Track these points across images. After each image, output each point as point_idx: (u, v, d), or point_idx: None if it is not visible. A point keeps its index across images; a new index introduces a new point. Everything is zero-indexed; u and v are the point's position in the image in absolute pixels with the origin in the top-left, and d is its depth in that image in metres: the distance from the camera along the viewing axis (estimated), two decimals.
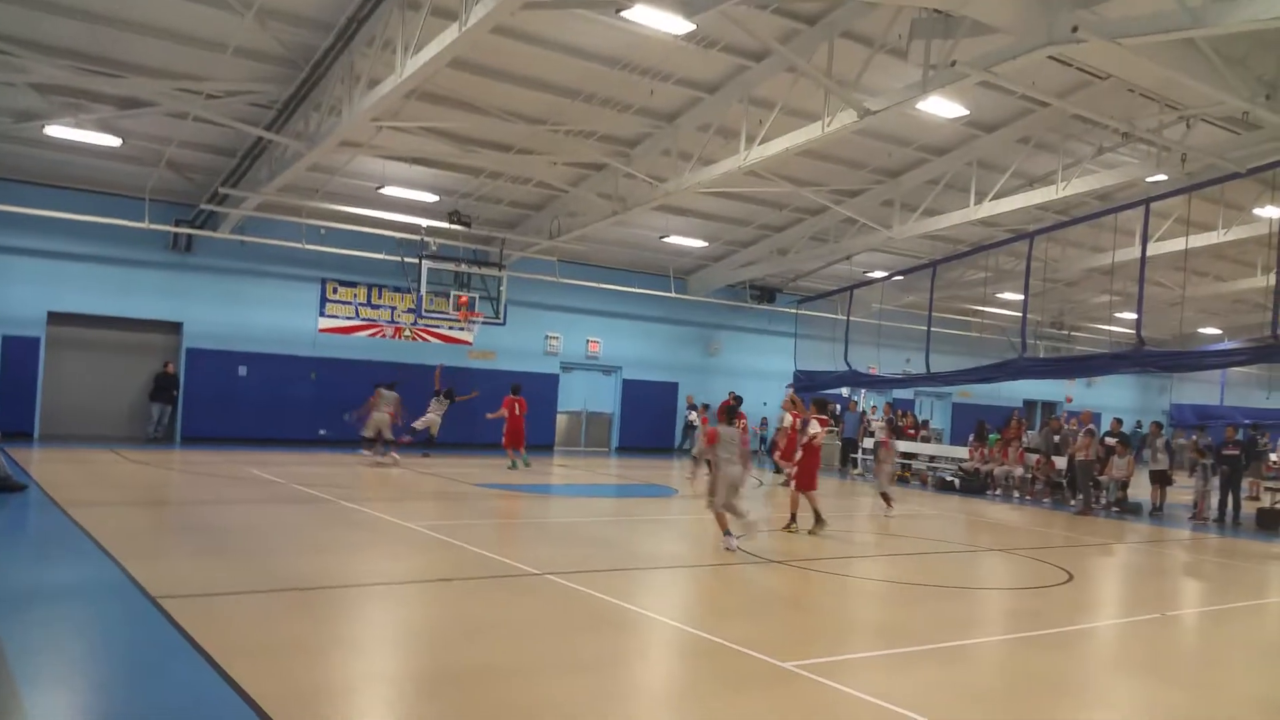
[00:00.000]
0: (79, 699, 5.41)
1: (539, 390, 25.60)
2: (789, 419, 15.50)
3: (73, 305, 20.40)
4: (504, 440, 19.93)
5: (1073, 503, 18.61)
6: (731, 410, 11.58)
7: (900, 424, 25.22)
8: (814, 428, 12.82)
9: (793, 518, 12.70)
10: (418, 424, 20.62)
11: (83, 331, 20.89)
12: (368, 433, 19.04)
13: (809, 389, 26.09)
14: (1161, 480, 18.97)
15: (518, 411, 19.85)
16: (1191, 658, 8.00)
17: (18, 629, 6.26)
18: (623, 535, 12.58)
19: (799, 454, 12.89)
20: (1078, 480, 18.48)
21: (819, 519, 12.68)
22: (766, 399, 29.20)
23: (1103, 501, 18.77)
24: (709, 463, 11.46)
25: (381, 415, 18.92)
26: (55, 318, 20.33)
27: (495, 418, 20.07)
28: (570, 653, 6.54)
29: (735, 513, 10.97)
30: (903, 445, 24.65)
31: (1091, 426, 18.77)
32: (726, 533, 10.77)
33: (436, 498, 14.81)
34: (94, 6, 13.86)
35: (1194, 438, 19.51)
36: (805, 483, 12.74)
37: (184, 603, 7.08)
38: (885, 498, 15.54)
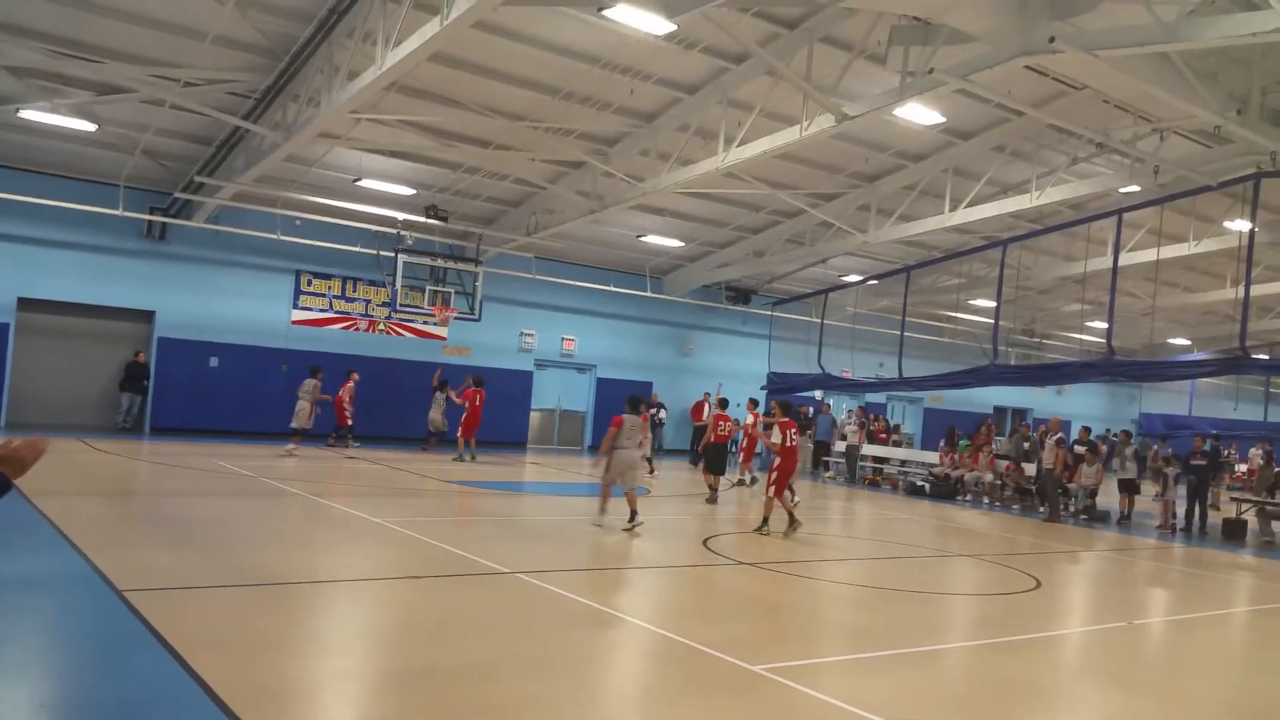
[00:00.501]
0: (39, 691, 5.36)
1: (513, 388, 25.56)
2: (750, 418, 15.84)
3: (44, 291, 20.13)
4: (461, 431, 20.40)
5: (1041, 510, 18.79)
6: (635, 401, 12.66)
7: (872, 428, 25.40)
8: (775, 435, 13.06)
9: (764, 520, 12.83)
10: (431, 424, 21.73)
11: (53, 318, 20.63)
12: (295, 423, 19.42)
13: (782, 391, 26.20)
14: (1129, 489, 19.20)
15: (478, 403, 20.59)
16: (1158, 666, 8.10)
17: None
18: (594, 535, 12.58)
19: (776, 460, 13.05)
20: (1045, 488, 18.66)
21: (793, 521, 12.78)
22: (740, 400, 29.30)
23: (1071, 509, 18.96)
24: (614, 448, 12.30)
25: (302, 404, 19.30)
26: (25, 304, 20.06)
27: (460, 402, 20.90)
28: (539, 652, 6.54)
29: (629, 493, 12.13)
30: (874, 449, 24.88)
31: (1060, 435, 18.95)
32: (603, 510, 12.23)
33: (407, 494, 14.76)
34: None
35: (1154, 448, 19.74)
36: (780, 488, 12.88)
37: (149, 595, 7.02)
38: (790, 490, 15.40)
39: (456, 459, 19.79)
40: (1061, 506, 18.39)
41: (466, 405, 20.56)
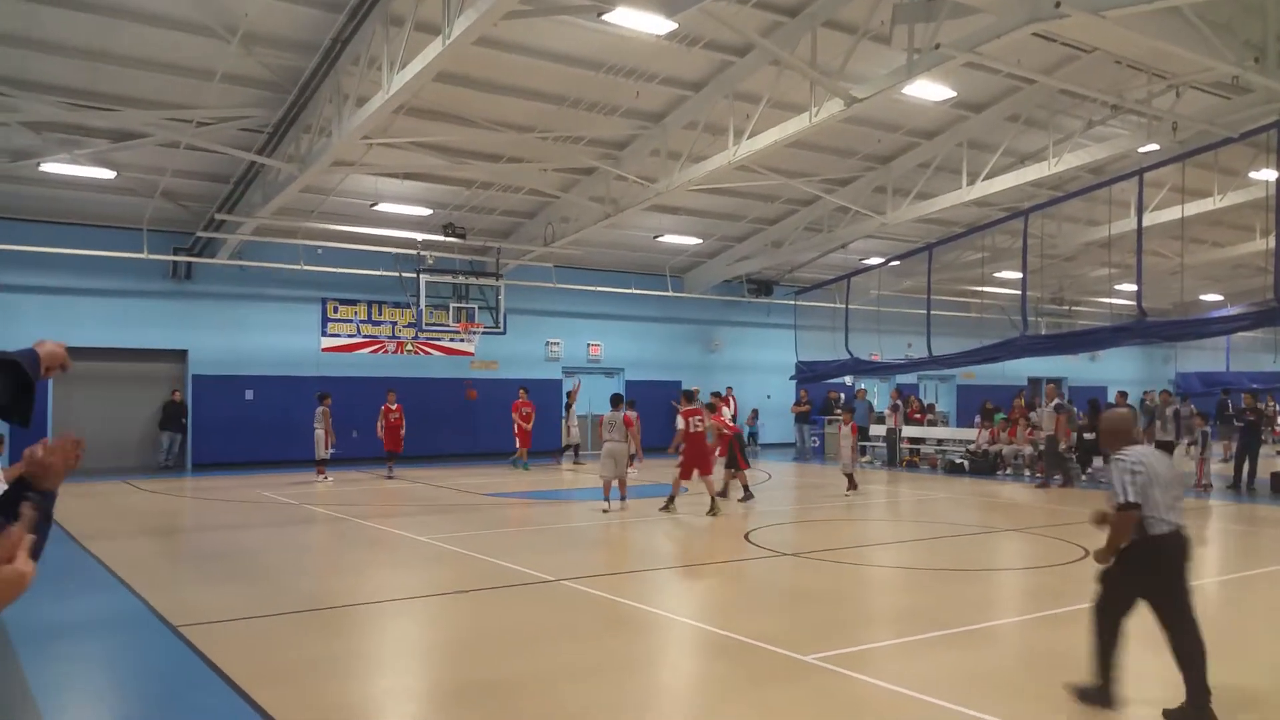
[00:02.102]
0: None
1: (544, 396, 25.62)
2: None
3: (78, 339, 20.38)
4: (522, 443, 21.10)
5: (1056, 478, 18.53)
6: (617, 399, 14.60)
7: (905, 410, 25.23)
8: (679, 422, 14.42)
9: (712, 501, 13.87)
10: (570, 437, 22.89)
11: (89, 365, 20.87)
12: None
13: (811, 380, 26.16)
14: (1166, 450, 18.98)
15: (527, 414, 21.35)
16: (1215, 626, 7.95)
17: (41, 664, 6.30)
18: (633, 536, 12.62)
19: (682, 445, 14.41)
20: (1051, 457, 18.42)
21: (714, 502, 13.86)
22: (770, 392, 29.25)
23: (1086, 474, 18.85)
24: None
25: (318, 433, 18.79)
26: None
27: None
28: (589, 657, 6.57)
29: (620, 478, 14.09)
30: (910, 430, 24.72)
31: (1059, 401, 18.78)
32: (605, 497, 14.08)
33: (447, 510, 14.84)
34: (81, 43, 13.93)
35: (1176, 408, 19.48)
36: (685, 472, 14.17)
37: (205, 629, 7.12)
38: (850, 479, 16.45)
39: (523, 468, 20.52)
40: (1074, 474, 18.22)
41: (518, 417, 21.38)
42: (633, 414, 15.24)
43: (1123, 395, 21.05)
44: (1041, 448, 19.61)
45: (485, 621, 7.74)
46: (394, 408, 19.81)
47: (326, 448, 18.88)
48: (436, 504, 15.57)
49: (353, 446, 22.33)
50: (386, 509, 14.79)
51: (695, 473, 14.11)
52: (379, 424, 20.09)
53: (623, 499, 14.33)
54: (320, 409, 19.00)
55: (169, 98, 15.52)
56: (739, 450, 15.75)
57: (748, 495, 15.51)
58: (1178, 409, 19.28)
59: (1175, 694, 5.27)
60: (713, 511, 13.56)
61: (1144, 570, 5.35)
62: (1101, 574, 5.52)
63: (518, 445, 21.54)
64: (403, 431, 19.90)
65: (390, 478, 18.96)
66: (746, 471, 15.80)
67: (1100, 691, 5.44)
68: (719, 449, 15.82)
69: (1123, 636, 5.43)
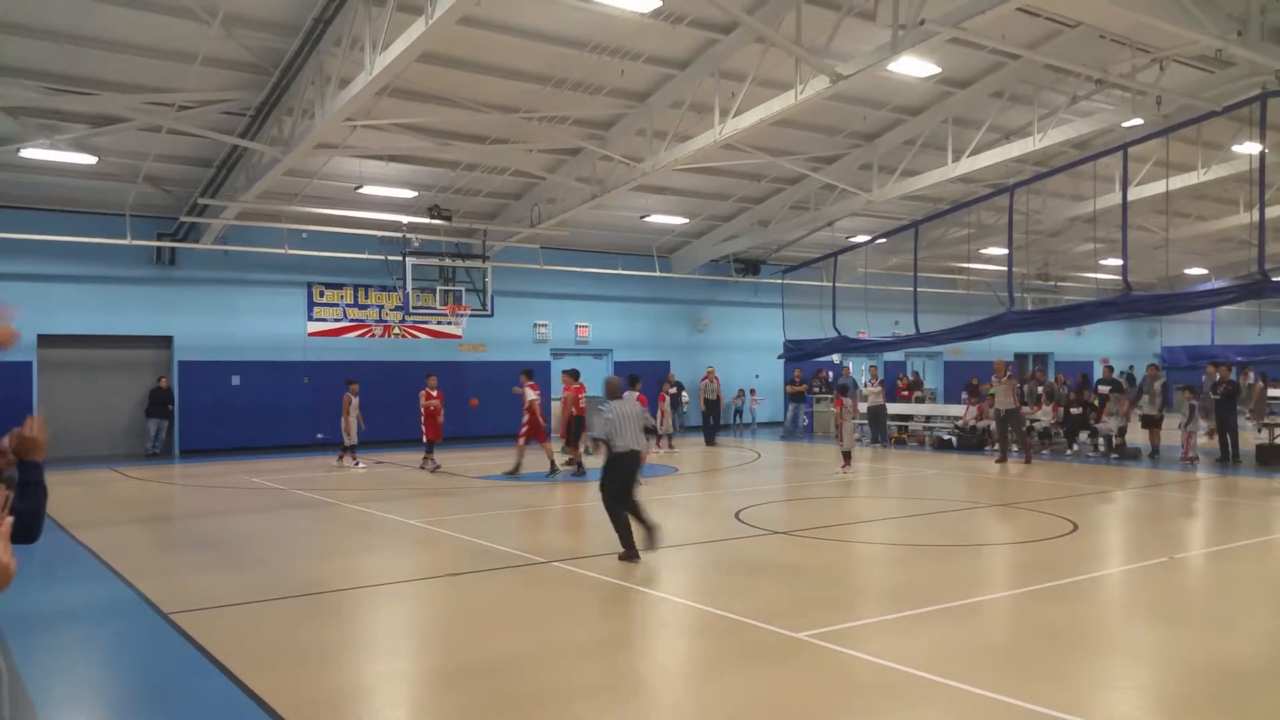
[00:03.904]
0: (99, 719, 5.45)
1: (535, 379, 25.57)
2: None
3: (62, 327, 20.29)
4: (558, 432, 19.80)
5: (1015, 450, 18.56)
6: (633, 379, 15.60)
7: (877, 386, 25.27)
8: (530, 394, 16.63)
9: (516, 466, 16.37)
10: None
11: (74, 352, 20.81)
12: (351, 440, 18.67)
13: (799, 358, 26.23)
14: (1152, 424, 19.11)
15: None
16: (1203, 599, 8.08)
17: (33, 653, 6.29)
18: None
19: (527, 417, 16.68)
20: (1007, 430, 18.48)
21: (553, 466, 16.24)
22: (759, 371, 29.32)
23: (1074, 449, 19.05)
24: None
25: (346, 418, 18.54)
26: (45, 340, 20.22)
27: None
28: (584, 637, 6.60)
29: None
30: (898, 407, 24.83)
31: (1010, 374, 18.95)
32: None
33: (438, 494, 14.84)
34: (60, 26, 13.75)
35: (1164, 381, 19.64)
36: (529, 436, 16.66)
37: (197, 616, 7.12)
38: (847, 457, 16.69)
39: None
40: (1011, 448, 18.37)
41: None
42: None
43: (1109, 370, 21.19)
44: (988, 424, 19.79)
45: (478, 604, 7.76)
46: (434, 393, 18.17)
47: (354, 433, 18.60)
48: (426, 487, 15.56)
49: (340, 431, 22.31)
50: (376, 493, 14.77)
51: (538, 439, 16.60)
52: (421, 410, 18.27)
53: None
54: (348, 394, 18.72)
55: (150, 81, 15.35)
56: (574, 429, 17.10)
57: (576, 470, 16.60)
58: (1165, 382, 19.41)
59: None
60: (553, 470, 16.15)
61: (616, 471, 9.18)
62: (601, 478, 9.35)
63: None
64: (441, 419, 18.23)
65: (435, 469, 17.57)
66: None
67: (629, 552, 8.97)
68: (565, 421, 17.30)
69: (623, 512, 9.04)
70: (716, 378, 25.06)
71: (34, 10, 13.34)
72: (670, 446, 21.57)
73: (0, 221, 18.98)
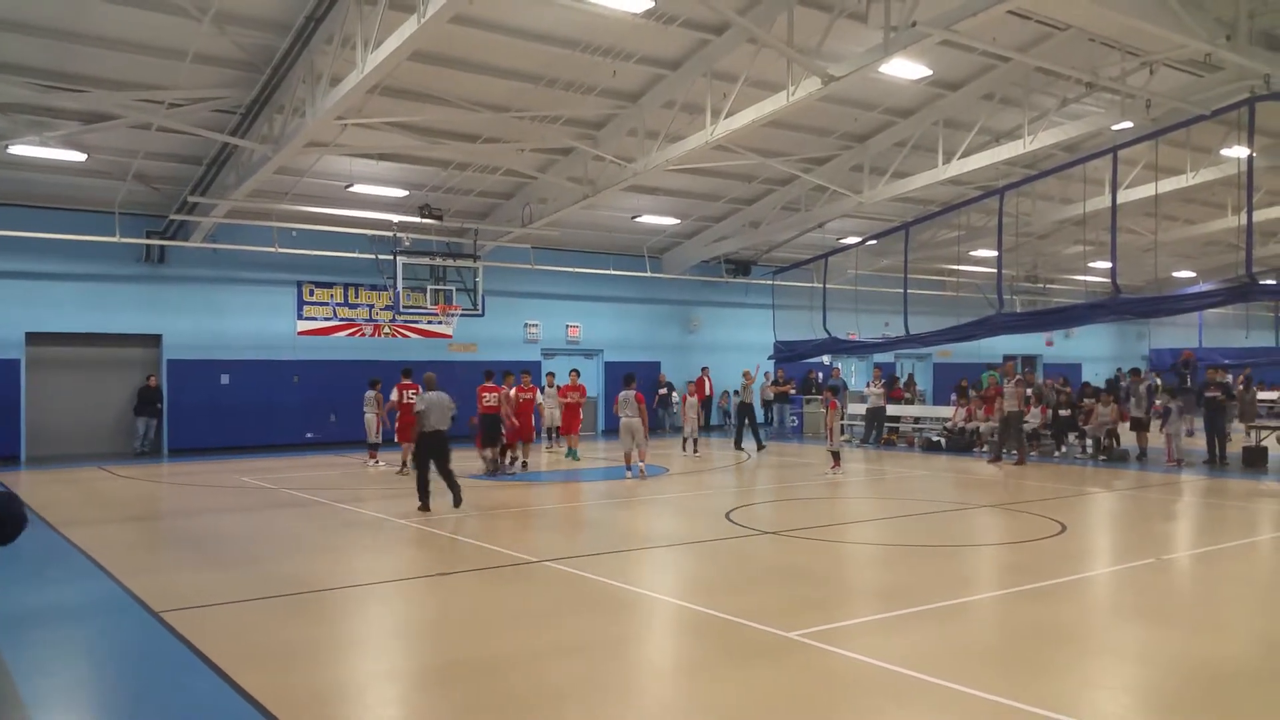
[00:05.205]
0: (89, 718, 5.43)
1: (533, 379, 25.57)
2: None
3: (50, 324, 20.22)
4: (565, 429, 20.28)
5: (1012, 452, 18.66)
6: (629, 378, 16.44)
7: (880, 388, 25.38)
8: (395, 395, 17.34)
9: (403, 463, 16.74)
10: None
11: (62, 350, 20.72)
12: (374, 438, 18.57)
13: (790, 359, 26.29)
14: (1139, 427, 19.19)
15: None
16: (1190, 599, 8.13)
17: (22, 650, 6.27)
18: (616, 517, 12.67)
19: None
20: (1009, 432, 18.57)
21: (404, 464, 16.55)
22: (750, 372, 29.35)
23: (1062, 451, 19.16)
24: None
25: (368, 417, 18.64)
26: (34, 338, 20.15)
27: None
28: (576, 637, 6.61)
29: (639, 449, 16.00)
30: (889, 408, 24.87)
31: (1019, 377, 19.03)
32: (627, 467, 16.03)
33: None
34: (50, 22, 13.70)
35: (1149, 384, 19.73)
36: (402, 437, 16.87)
37: (187, 615, 7.10)
38: (835, 457, 16.78)
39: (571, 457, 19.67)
40: (1026, 450, 18.49)
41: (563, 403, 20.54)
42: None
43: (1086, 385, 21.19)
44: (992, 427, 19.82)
45: (468, 603, 7.75)
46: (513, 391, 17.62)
47: (377, 431, 18.49)
48: (412, 488, 15.52)
49: (331, 431, 22.45)
50: (365, 493, 14.74)
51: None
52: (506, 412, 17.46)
53: (641, 471, 15.87)
54: (370, 393, 18.66)
55: (140, 78, 15.31)
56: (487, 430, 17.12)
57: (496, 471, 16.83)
58: (1150, 385, 19.50)
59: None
60: (405, 467, 16.54)
61: (426, 446, 12.25)
62: (415, 449, 12.65)
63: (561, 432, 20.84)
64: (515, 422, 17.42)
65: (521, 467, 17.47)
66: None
67: (424, 504, 12.13)
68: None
69: (427, 478, 12.29)
70: (709, 379, 24.95)
71: (25, 6, 13.30)
72: (695, 450, 20.44)
73: None
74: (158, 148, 18.06)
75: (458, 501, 12.34)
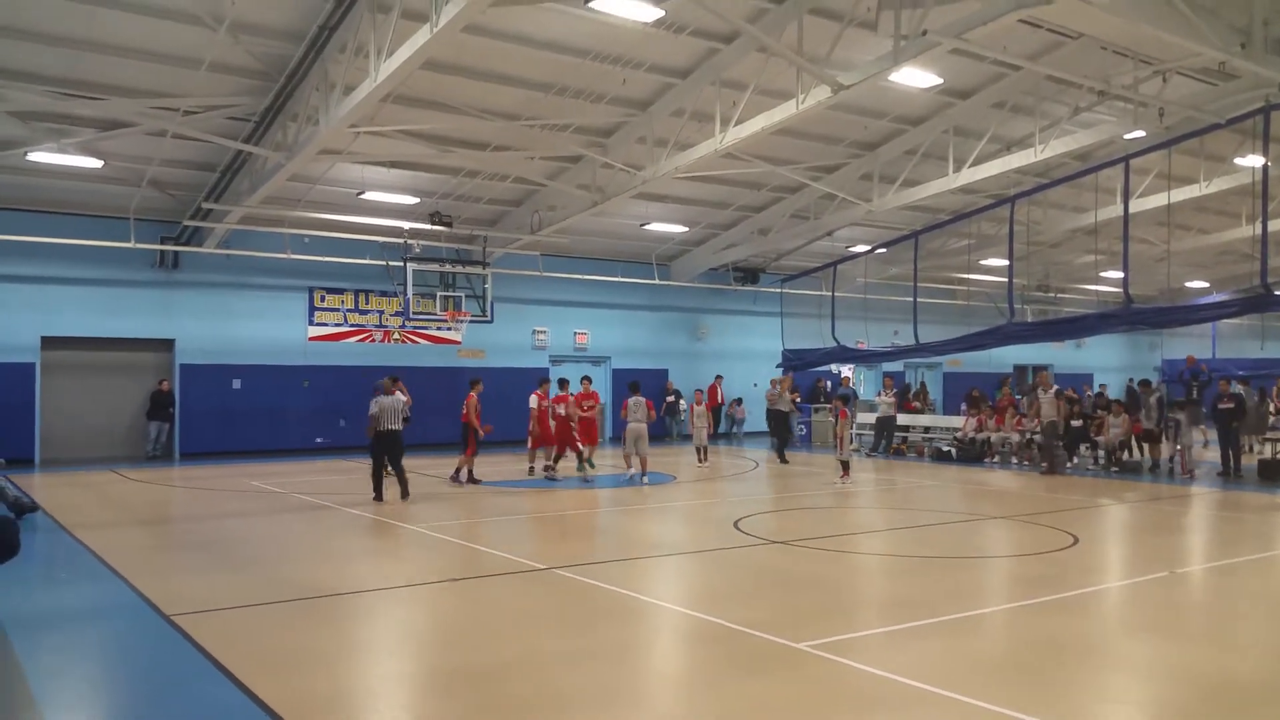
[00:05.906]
0: None
1: (530, 385, 25.59)
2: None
3: (65, 329, 20.35)
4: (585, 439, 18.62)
5: (1043, 465, 18.60)
6: (635, 385, 17.00)
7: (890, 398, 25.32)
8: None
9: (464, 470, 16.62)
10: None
11: (76, 354, 20.85)
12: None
13: (798, 367, 26.21)
14: (1150, 439, 19.09)
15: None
16: (1204, 613, 8.06)
17: (35, 653, 6.31)
18: (624, 524, 12.67)
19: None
20: (1046, 442, 18.53)
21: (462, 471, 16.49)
22: (756, 380, 29.30)
23: (1074, 462, 19.12)
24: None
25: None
26: (48, 342, 20.28)
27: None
28: (583, 644, 6.61)
29: (641, 456, 16.26)
30: (899, 418, 24.79)
31: (1057, 387, 18.96)
32: (637, 472, 16.35)
33: (437, 499, 14.84)
34: (69, 31, 13.86)
35: (1159, 396, 19.58)
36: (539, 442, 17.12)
37: (198, 618, 7.13)
38: (845, 466, 16.64)
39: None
40: (1058, 459, 18.37)
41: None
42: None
43: (1103, 390, 21.16)
44: (1030, 435, 19.71)
45: (476, 609, 7.77)
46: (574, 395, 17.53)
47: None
48: (426, 493, 15.55)
49: (340, 435, 22.52)
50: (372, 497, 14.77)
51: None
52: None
53: (643, 475, 16.27)
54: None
55: (156, 86, 15.44)
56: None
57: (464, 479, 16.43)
58: (1160, 397, 19.41)
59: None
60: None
61: (381, 444, 13.81)
62: (371, 446, 13.97)
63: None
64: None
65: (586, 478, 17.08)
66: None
67: (377, 496, 13.57)
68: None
69: (382, 473, 13.83)
70: (721, 389, 24.76)
71: (43, 16, 13.44)
72: (704, 460, 19.74)
73: (5, 224, 19.07)
74: (173, 155, 18.19)
75: (405, 494, 13.85)
